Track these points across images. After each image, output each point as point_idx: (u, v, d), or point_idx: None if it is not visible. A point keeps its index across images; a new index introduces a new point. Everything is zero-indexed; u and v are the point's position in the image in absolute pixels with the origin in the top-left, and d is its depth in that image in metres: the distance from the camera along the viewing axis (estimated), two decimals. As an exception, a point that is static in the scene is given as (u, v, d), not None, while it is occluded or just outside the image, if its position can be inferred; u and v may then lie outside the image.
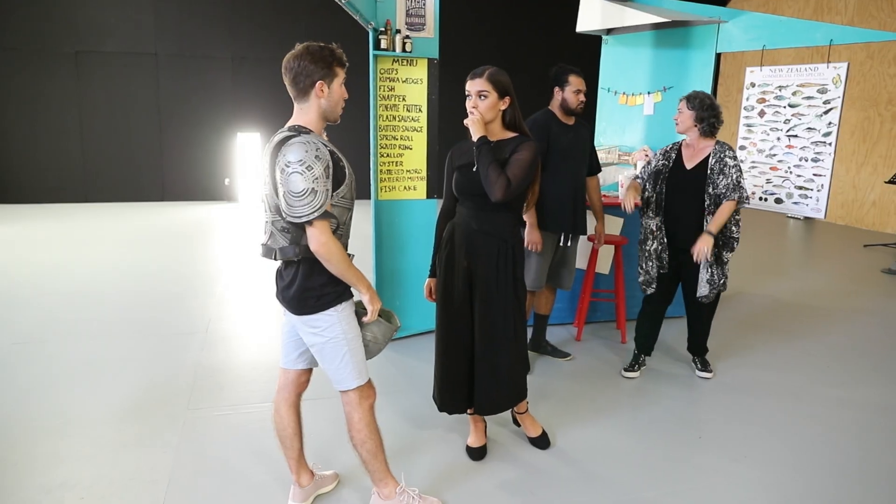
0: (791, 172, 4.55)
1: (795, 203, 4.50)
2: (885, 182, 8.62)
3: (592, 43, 5.67)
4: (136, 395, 3.44)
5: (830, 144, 4.31)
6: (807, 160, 4.46)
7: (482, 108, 2.55)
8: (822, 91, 4.34)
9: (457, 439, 3.07)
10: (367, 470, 2.40)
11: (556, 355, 4.17)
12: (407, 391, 3.59)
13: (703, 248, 3.46)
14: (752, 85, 4.79)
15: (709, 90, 4.79)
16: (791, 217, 10.63)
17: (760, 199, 4.77)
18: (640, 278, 3.81)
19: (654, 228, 3.70)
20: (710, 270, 3.60)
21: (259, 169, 2.22)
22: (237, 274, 6.01)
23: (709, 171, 3.54)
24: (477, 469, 2.83)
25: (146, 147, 10.13)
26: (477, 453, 2.90)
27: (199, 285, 5.58)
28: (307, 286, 2.14)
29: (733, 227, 3.60)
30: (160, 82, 10.00)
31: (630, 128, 5.46)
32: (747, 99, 4.86)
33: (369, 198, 4.21)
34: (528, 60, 11.24)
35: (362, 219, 4.16)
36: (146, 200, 10.26)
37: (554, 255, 3.90)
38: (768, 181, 4.74)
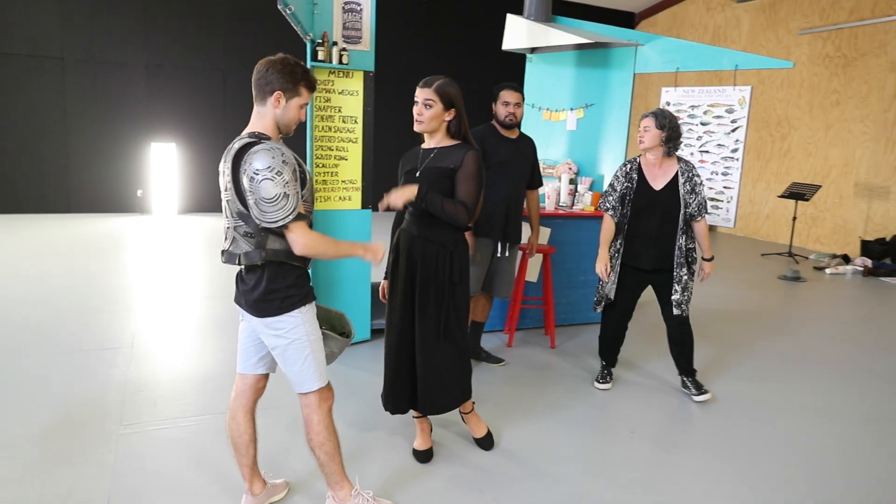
0: (704, 185, 4.89)
1: (708, 213, 4.84)
2: (778, 196, 9.37)
3: (518, 60, 5.89)
4: (64, 413, 3.27)
5: (737, 160, 4.69)
6: (717, 174, 4.82)
7: (426, 116, 2.65)
8: (730, 111, 4.72)
9: (402, 443, 3.12)
10: (323, 472, 2.41)
11: (491, 361, 4.29)
12: (348, 398, 3.60)
13: (708, 273, 3.72)
14: (668, 104, 5.13)
15: (628, 108, 5.09)
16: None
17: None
18: (595, 297, 3.86)
19: (614, 251, 3.71)
20: (679, 292, 3.62)
21: (220, 176, 2.19)
22: (156, 286, 5.80)
23: (682, 192, 3.54)
24: (425, 471, 2.89)
25: (51, 156, 9.58)
26: (423, 455, 2.96)
27: (117, 299, 5.35)
28: (272, 288, 2.15)
29: (693, 245, 3.66)
30: (67, 88, 9.50)
31: (554, 142, 5.69)
32: (662, 117, 5.20)
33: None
34: (459, 75, 11.47)
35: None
36: (50, 212, 9.69)
37: (490, 264, 4.02)
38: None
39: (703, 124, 4.90)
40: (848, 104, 9.42)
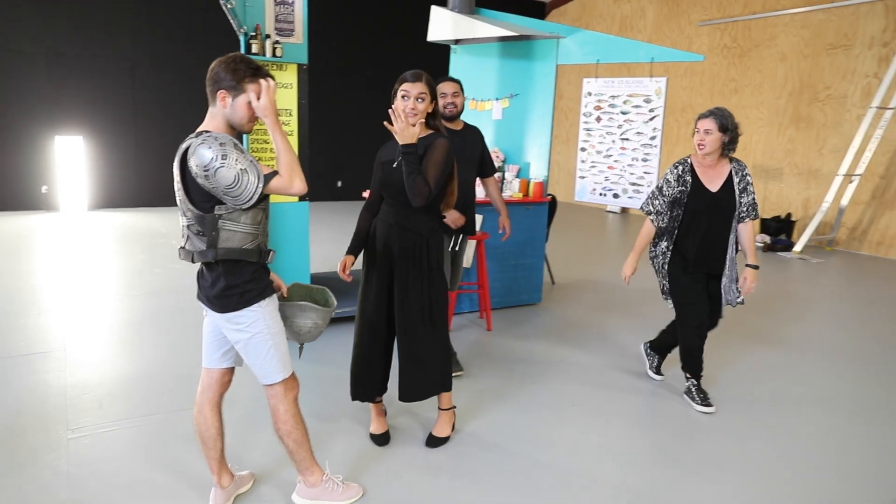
0: (625, 171, 5.19)
1: (630, 197, 5.15)
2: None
3: (443, 51, 6.00)
4: (2, 423, 3.16)
5: (656, 147, 5.02)
6: (637, 160, 5.14)
7: (420, 109, 2.70)
8: (648, 101, 5.04)
9: (360, 429, 3.21)
10: (293, 460, 2.48)
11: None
12: (301, 390, 3.64)
13: (752, 284, 3.44)
14: (589, 94, 5.40)
15: (552, 97, 5.32)
16: (609, 211, 11.86)
17: (601, 194, 5.39)
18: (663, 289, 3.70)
19: (659, 253, 3.61)
20: (732, 293, 3.53)
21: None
22: (75, 286, 5.58)
23: (736, 192, 3.41)
24: (385, 453, 3.00)
25: (-59, 152, 8.91)
26: (381, 439, 3.07)
27: (37, 301, 5.12)
28: (230, 284, 2.19)
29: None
30: (-43, 79, 8.85)
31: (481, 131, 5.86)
32: (585, 106, 5.47)
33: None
34: (386, 67, 11.48)
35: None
36: (-57, 212, 9.03)
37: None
38: (606, 179, 5.37)
39: (623, 113, 5.20)
40: (745, 92, 10.12)
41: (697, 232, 3.43)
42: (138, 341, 4.33)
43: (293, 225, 4.36)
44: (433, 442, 3.08)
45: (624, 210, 11.92)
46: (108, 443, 3.00)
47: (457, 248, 4.02)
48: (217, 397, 2.46)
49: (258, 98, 2.15)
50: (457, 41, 5.84)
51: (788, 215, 9.37)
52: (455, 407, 3.23)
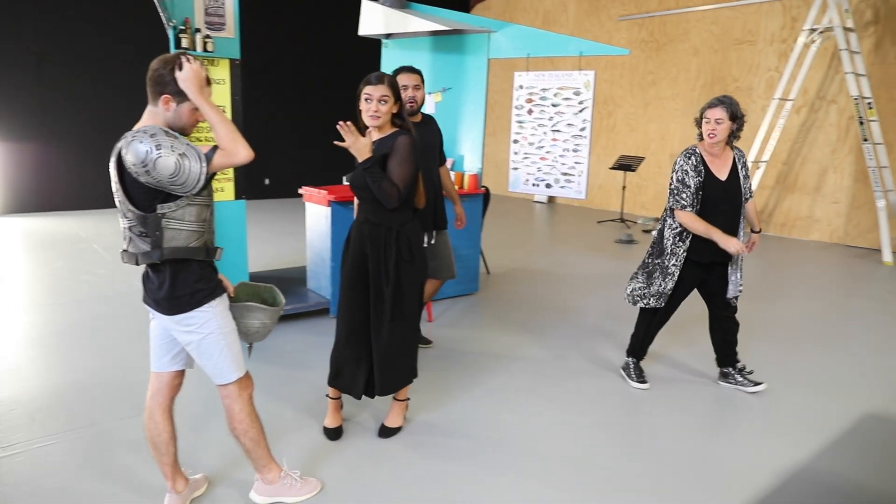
0: (557, 161, 5.34)
1: (563, 187, 5.30)
2: (609, 168, 10.32)
3: (375, 46, 5.99)
4: (-75, 441, 2.97)
5: (585, 137, 5.19)
6: (569, 150, 5.30)
7: (383, 111, 2.75)
8: (577, 93, 5.20)
9: (313, 423, 3.21)
10: (250, 458, 2.47)
11: (421, 343, 4.32)
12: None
13: (755, 243, 3.61)
14: (521, 87, 5.52)
15: (484, 91, 5.41)
16: (536, 201, 12.15)
17: (534, 185, 5.53)
18: (652, 292, 3.62)
19: (679, 248, 3.54)
20: (738, 272, 3.59)
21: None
22: (-3, 297, 5.27)
23: (742, 178, 3.50)
24: (339, 446, 3.01)
25: None
26: (335, 433, 3.09)
27: (-48, 314, 4.80)
28: (179, 286, 2.15)
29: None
30: None
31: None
32: (517, 99, 5.59)
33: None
34: (318, 61, 11.28)
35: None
36: None
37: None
38: (539, 169, 5.51)
39: (553, 105, 5.34)
40: (662, 84, 10.55)
41: (714, 221, 3.42)
42: (69, 351, 4.13)
43: (230, 224, 4.27)
44: (386, 432, 3.12)
45: (551, 200, 12.23)
46: (46, 458, 2.87)
47: (432, 242, 4.01)
48: (168, 401, 2.41)
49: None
50: (388, 35, 5.84)
51: (705, 201, 9.86)
52: (409, 399, 3.28)
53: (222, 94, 4.14)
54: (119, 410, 3.32)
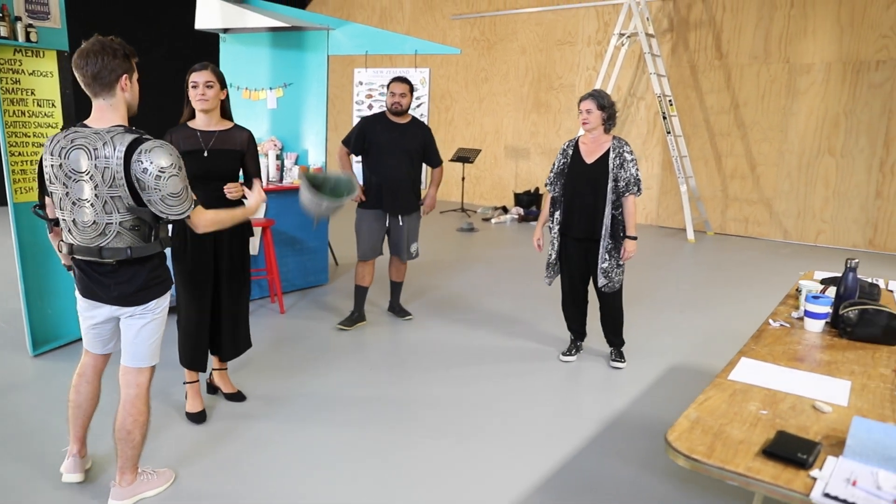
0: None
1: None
2: (449, 160, 10.85)
3: (213, 40, 5.93)
4: None
5: (424, 131, 5.54)
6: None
7: (210, 95, 2.96)
8: (414, 90, 5.51)
9: (173, 413, 3.26)
10: (125, 457, 2.48)
11: (402, 315, 5.01)
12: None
13: (631, 251, 3.77)
14: (361, 83, 5.74)
15: (325, 86, 5.58)
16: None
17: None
18: (546, 266, 4.07)
19: (553, 222, 3.96)
20: (607, 261, 3.81)
21: (52, 170, 2.20)
22: None
23: (611, 166, 3.72)
24: (201, 431, 3.11)
25: None
26: (199, 417, 3.21)
27: None
28: (154, 276, 2.35)
29: (620, 218, 3.82)
30: None
31: (256, 121, 5.92)
32: (357, 94, 5.81)
33: (6, 203, 3.86)
34: (153, 53, 10.62)
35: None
36: None
37: (391, 234, 4.65)
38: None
39: (392, 101, 5.63)
40: (494, 80, 11.26)
41: (574, 198, 3.83)
42: None
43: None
44: (238, 398, 3.45)
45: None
46: None
47: (400, 223, 4.62)
48: (100, 373, 2.61)
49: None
50: (226, 30, 5.81)
51: (536, 189, 10.70)
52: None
53: (51, 87, 3.97)
54: (-50, 421, 3.15)
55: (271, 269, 5.10)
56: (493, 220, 9.95)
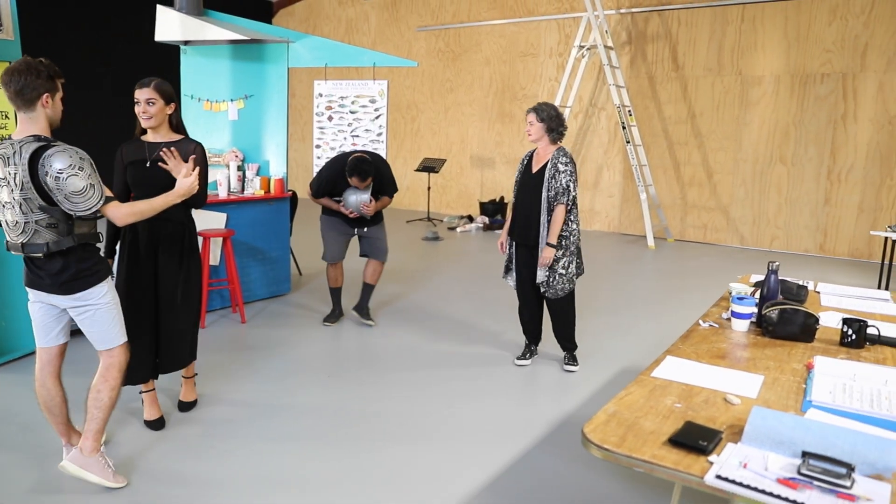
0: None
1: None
2: (414, 170, 10.97)
3: (174, 51, 5.97)
4: None
5: (382, 142, 5.64)
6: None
7: (152, 112, 3.00)
8: (373, 101, 5.63)
9: (132, 420, 3.29)
10: (94, 421, 2.67)
11: (366, 318, 5.12)
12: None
13: (546, 258, 3.85)
14: (321, 95, 5.83)
15: (285, 98, 5.65)
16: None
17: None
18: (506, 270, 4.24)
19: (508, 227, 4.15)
20: (543, 269, 3.94)
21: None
22: None
23: (546, 176, 3.87)
24: (161, 437, 3.15)
25: None
26: (157, 424, 3.26)
27: None
28: (83, 267, 2.52)
29: (563, 227, 3.89)
30: None
31: (217, 132, 5.97)
32: (318, 106, 5.89)
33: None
34: (112, 65, 10.57)
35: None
36: None
37: (360, 242, 5.02)
38: (340, 173, 5.86)
39: (351, 112, 5.73)
40: (459, 91, 11.42)
41: (519, 206, 4.05)
42: None
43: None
44: (186, 407, 3.46)
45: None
46: None
47: (364, 230, 4.97)
48: (57, 370, 2.73)
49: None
50: (187, 42, 5.85)
51: (501, 198, 10.85)
52: (197, 374, 3.62)
53: (4, 100, 3.97)
54: None
55: (232, 280, 5.14)
56: (458, 229, 10.07)
